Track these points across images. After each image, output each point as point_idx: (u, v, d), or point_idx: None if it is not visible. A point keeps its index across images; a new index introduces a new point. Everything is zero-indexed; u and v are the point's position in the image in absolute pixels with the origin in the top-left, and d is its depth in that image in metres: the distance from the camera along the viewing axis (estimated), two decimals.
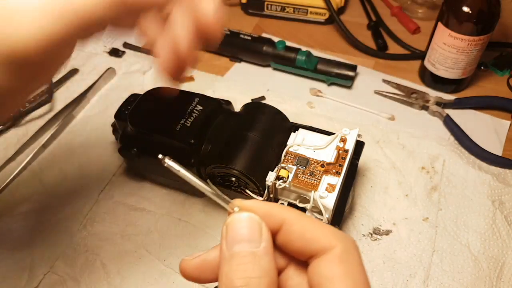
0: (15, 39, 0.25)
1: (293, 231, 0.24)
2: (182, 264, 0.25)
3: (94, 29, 0.27)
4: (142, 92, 0.51)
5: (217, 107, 0.48)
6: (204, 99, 0.48)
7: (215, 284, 0.24)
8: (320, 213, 0.42)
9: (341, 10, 0.77)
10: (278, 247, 0.25)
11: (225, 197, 0.25)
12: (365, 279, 0.23)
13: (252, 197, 0.44)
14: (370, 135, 0.57)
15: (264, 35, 0.73)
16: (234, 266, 0.22)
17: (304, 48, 0.65)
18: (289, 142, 0.47)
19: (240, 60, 0.69)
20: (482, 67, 0.66)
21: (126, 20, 0.29)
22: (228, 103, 0.51)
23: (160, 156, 0.25)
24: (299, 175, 0.43)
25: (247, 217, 0.23)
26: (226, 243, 0.23)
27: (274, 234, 0.24)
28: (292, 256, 0.25)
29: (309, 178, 0.43)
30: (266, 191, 0.43)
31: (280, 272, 0.25)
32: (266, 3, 0.75)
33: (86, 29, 0.27)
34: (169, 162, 0.26)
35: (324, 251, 0.23)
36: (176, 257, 0.46)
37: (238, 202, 0.25)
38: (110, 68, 0.66)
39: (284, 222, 0.24)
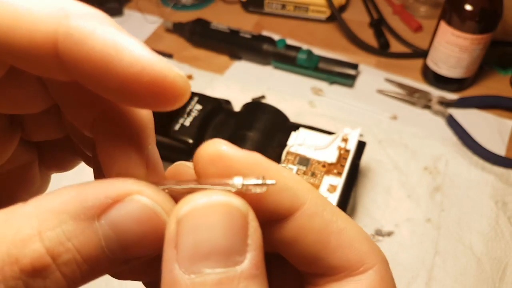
0: None
1: (311, 227, 0.15)
2: None
3: None
4: None
5: (217, 107, 0.47)
6: (204, 99, 0.47)
7: None
8: None
9: (343, 8, 0.76)
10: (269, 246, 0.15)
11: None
12: None
13: None
14: (372, 135, 0.57)
15: (264, 33, 0.72)
16: None
17: (305, 47, 0.64)
18: (289, 142, 0.46)
19: (240, 59, 0.68)
20: (485, 66, 0.65)
21: None
22: (228, 102, 0.50)
23: None
24: (300, 176, 0.42)
25: (223, 204, 0.13)
26: (180, 258, 0.12)
27: (268, 223, 0.15)
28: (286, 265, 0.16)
29: (310, 179, 0.42)
30: None
31: None
32: (266, 1, 0.74)
33: None
34: None
35: (353, 269, 0.15)
36: None
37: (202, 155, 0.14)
38: None
39: (299, 205, 0.15)
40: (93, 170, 0.18)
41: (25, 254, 0.12)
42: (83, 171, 0.24)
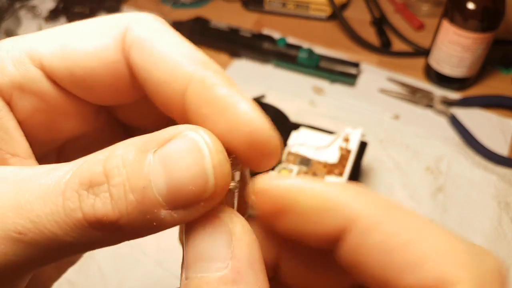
0: None
1: (365, 245, 0.13)
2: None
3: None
4: None
5: None
6: None
7: None
8: None
9: (344, 6, 0.75)
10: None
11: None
12: None
13: None
14: (374, 135, 0.56)
15: (264, 31, 0.72)
16: None
17: (305, 45, 0.64)
18: (290, 142, 0.46)
19: (240, 57, 0.68)
20: (487, 66, 0.65)
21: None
22: None
23: None
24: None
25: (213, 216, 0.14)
26: (185, 262, 0.14)
27: (327, 245, 0.14)
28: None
29: None
30: None
31: None
32: None
33: None
34: None
35: (432, 286, 0.12)
36: (173, 260, 0.45)
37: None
38: None
39: (348, 223, 0.13)
40: None
41: (84, 169, 0.13)
42: None
